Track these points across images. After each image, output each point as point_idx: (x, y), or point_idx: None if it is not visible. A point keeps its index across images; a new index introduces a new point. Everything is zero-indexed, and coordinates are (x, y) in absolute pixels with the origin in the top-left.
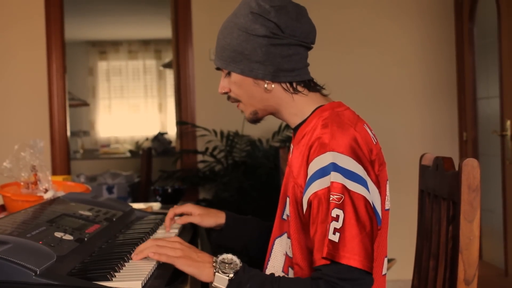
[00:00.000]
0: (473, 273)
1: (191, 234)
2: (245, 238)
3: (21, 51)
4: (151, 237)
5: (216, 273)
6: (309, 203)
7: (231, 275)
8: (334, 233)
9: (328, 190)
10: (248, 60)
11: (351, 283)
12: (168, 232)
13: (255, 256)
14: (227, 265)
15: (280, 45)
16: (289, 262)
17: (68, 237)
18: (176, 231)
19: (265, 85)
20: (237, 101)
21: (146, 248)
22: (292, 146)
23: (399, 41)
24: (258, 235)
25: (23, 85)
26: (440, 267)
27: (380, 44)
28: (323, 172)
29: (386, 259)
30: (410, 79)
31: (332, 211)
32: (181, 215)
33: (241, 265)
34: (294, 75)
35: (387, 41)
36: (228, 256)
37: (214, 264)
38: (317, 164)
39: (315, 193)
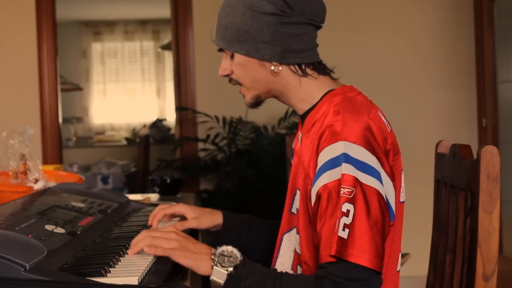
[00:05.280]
0: (492, 268)
1: None
2: (244, 239)
3: (9, 32)
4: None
5: (214, 267)
6: (318, 196)
7: (230, 269)
8: (343, 229)
9: (339, 182)
10: (254, 40)
11: (358, 284)
12: (165, 223)
13: (254, 258)
14: (226, 258)
15: (289, 24)
16: (298, 259)
17: (60, 230)
18: (177, 218)
19: (272, 67)
20: (239, 83)
21: (140, 240)
22: (300, 134)
23: (413, 21)
24: (256, 235)
25: (11, 68)
26: (457, 262)
27: (392, 24)
28: (333, 163)
29: (400, 255)
30: (425, 62)
31: (343, 206)
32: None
33: (241, 258)
34: (304, 56)
35: (400, 21)
36: (228, 248)
37: (212, 256)
38: (327, 154)
39: (325, 185)
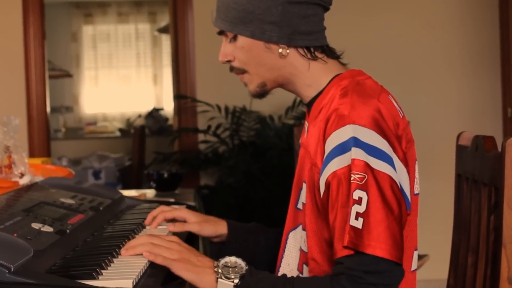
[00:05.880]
0: None
1: (187, 233)
2: (251, 249)
3: None
4: (143, 229)
5: (219, 279)
6: (327, 185)
7: (237, 280)
8: (356, 218)
9: (349, 169)
10: (260, 20)
11: (378, 277)
12: (163, 227)
13: (262, 269)
14: (230, 269)
15: (298, 4)
16: (304, 258)
17: (48, 228)
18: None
19: (280, 50)
20: (242, 71)
21: (139, 244)
22: (307, 124)
23: (432, 2)
24: (264, 244)
25: None
26: (480, 263)
27: (408, 5)
28: (342, 148)
29: (416, 253)
30: (445, 47)
31: (354, 193)
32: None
33: (247, 268)
34: (312, 38)
35: (417, 2)
36: (231, 259)
37: (216, 269)
38: (335, 139)
39: (334, 172)
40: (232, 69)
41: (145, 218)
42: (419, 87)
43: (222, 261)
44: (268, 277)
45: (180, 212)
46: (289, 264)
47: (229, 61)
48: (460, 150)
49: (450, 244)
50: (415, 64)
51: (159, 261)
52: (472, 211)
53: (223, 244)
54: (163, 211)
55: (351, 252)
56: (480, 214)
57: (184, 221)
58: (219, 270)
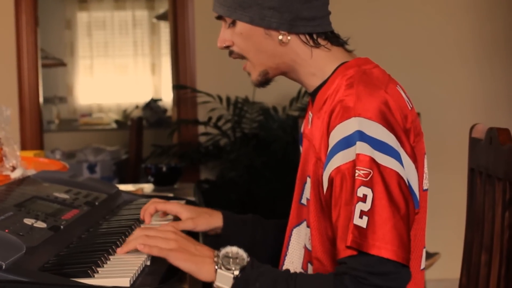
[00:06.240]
0: None
1: None
2: (247, 243)
3: None
4: (141, 225)
5: (218, 270)
6: (331, 181)
7: (237, 272)
8: (360, 217)
9: (353, 164)
10: (259, 6)
11: (383, 278)
12: (159, 220)
13: None
14: (231, 260)
15: None
16: (309, 256)
17: (41, 224)
18: (171, 217)
19: (280, 37)
20: (241, 56)
21: (133, 239)
22: (311, 114)
23: None
24: (261, 238)
25: None
26: (494, 262)
27: None
28: (347, 142)
29: (424, 251)
30: (457, 35)
31: (358, 190)
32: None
33: (248, 259)
34: (315, 24)
35: None
36: (232, 250)
37: (215, 259)
38: (339, 132)
39: (338, 168)
40: (231, 53)
41: None
42: (430, 77)
43: (223, 251)
44: (270, 271)
45: (172, 206)
46: (293, 262)
47: (228, 47)
48: (473, 143)
49: (463, 242)
50: (425, 52)
51: (155, 252)
52: (486, 207)
53: (218, 237)
54: (154, 202)
55: (355, 253)
56: (494, 210)
57: (176, 217)
58: (219, 261)
